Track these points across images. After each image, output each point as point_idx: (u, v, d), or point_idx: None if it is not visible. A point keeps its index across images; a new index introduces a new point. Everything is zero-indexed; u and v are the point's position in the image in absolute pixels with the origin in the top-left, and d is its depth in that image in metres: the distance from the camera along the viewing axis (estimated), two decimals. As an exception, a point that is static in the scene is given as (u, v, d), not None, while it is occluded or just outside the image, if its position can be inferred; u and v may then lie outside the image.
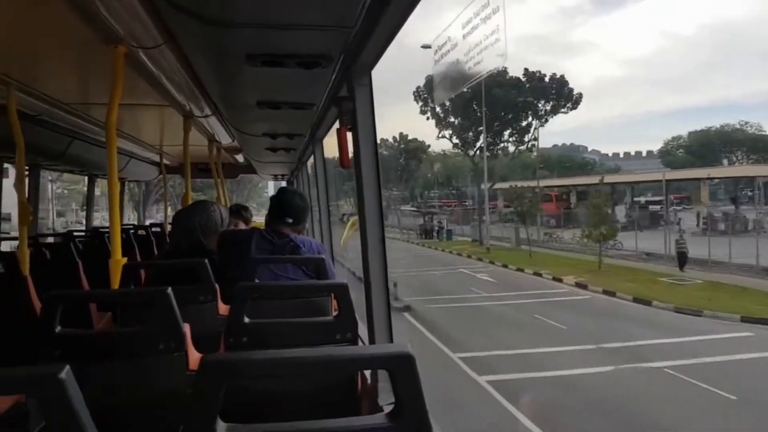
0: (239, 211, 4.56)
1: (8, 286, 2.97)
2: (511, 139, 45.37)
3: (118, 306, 2.44)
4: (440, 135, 45.62)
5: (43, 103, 3.62)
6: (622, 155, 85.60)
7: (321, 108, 3.07)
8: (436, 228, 46.03)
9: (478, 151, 44.25)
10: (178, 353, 1.82)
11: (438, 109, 43.39)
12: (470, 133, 44.42)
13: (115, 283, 2.53)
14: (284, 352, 0.87)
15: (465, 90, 35.68)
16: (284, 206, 2.85)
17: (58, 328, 1.72)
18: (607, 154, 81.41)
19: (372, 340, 2.54)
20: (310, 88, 2.58)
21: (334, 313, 2.12)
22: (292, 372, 0.93)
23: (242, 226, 4.36)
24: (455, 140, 45.73)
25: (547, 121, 43.87)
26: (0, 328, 2.77)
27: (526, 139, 45.26)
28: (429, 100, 43.52)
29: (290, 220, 2.82)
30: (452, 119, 44.41)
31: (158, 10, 1.83)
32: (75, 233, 5.81)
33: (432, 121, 45.65)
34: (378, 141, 2.56)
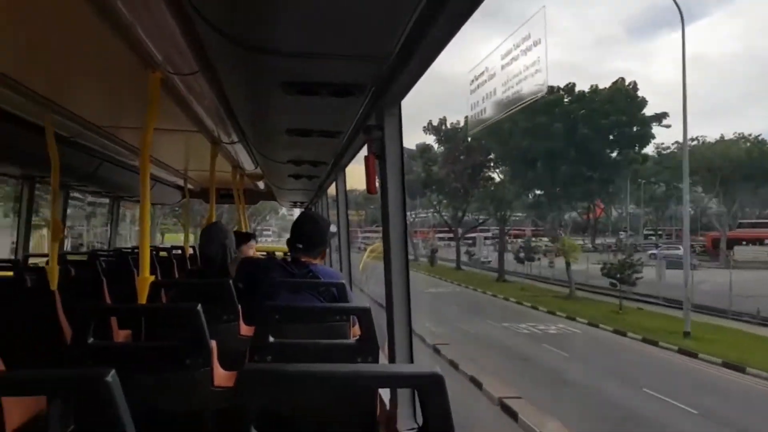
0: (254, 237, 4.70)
1: (37, 300, 3.04)
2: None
3: (144, 322, 2.48)
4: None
5: (77, 125, 3.73)
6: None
7: (348, 136, 3.10)
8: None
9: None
10: (205, 369, 1.86)
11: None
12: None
13: (142, 299, 2.58)
14: (321, 366, 0.89)
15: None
16: (295, 232, 2.90)
17: (90, 340, 1.77)
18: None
19: (392, 361, 2.53)
20: (340, 117, 2.62)
21: (354, 338, 2.13)
22: (328, 386, 0.95)
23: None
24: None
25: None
26: (29, 340, 2.81)
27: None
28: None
29: (300, 246, 2.85)
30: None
31: (198, 37, 1.87)
32: (99, 253, 5.91)
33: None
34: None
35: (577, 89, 35.64)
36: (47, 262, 3.58)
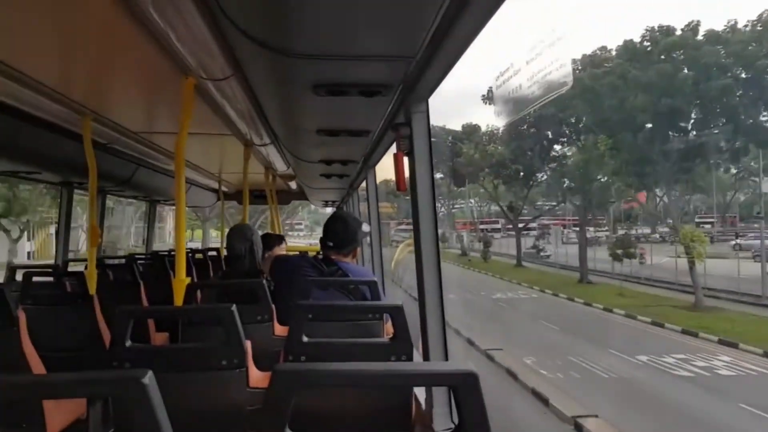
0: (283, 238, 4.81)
1: (76, 305, 3.12)
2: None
3: (180, 324, 2.54)
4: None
5: (114, 131, 3.83)
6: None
7: (377, 134, 3.13)
8: None
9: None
10: (240, 369, 1.89)
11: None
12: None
13: (178, 301, 2.64)
14: (352, 365, 0.89)
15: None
16: (326, 231, 2.99)
17: (128, 342, 1.82)
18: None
19: (427, 360, 2.54)
20: (368, 116, 2.65)
21: (388, 336, 2.14)
22: (359, 384, 0.95)
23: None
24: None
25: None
26: (69, 345, 2.90)
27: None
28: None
29: (330, 244, 2.93)
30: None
31: (229, 42, 1.92)
32: (136, 256, 6.09)
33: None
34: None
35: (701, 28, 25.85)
36: (86, 267, 3.68)
